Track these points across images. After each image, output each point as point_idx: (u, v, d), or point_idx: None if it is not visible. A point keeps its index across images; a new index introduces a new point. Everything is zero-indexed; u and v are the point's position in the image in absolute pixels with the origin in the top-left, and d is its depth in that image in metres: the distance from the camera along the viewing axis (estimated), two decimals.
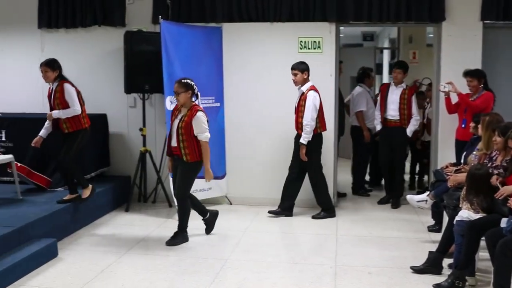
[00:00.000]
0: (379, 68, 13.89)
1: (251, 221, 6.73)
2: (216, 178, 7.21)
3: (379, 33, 14.37)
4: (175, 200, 6.08)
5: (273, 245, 5.81)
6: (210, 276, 4.85)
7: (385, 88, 7.59)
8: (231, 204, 7.49)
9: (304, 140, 6.57)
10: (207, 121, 5.74)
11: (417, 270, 4.91)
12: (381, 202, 7.51)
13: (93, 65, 7.78)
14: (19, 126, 7.08)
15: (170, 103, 6.80)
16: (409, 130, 7.36)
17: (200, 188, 7.06)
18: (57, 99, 6.02)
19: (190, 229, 5.94)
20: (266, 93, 7.40)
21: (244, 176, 7.48)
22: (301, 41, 7.28)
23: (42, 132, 6.18)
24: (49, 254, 5.24)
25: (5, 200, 6.14)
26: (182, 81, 5.70)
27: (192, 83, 5.71)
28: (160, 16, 6.90)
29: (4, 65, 8.03)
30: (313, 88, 6.63)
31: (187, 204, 5.85)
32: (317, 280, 4.80)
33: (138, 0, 7.65)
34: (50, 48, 7.88)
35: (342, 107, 8.22)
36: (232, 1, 7.34)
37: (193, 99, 5.76)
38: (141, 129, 7.39)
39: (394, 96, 7.38)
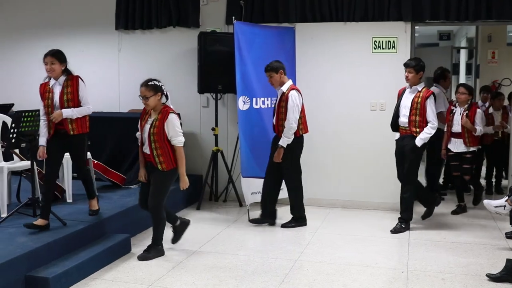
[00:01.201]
0: (455, 68, 13.48)
1: (322, 222, 6.67)
2: None
3: (456, 32, 13.96)
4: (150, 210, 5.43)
5: (343, 247, 5.73)
6: (280, 276, 4.84)
7: (401, 92, 6.49)
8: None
9: (284, 142, 6.11)
10: (180, 124, 5.29)
11: (493, 278, 4.71)
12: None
13: (167, 66, 7.93)
14: (96, 124, 7.25)
15: (242, 103, 6.83)
16: (418, 139, 6.02)
17: None
18: (69, 95, 5.35)
19: (258, 230, 5.93)
20: (339, 94, 7.33)
21: (314, 176, 7.42)
22: (375, 41, 7.16)
23: (42, 141, 5.30)
24: (123, 249, 5.37)
25: (83, 196, 6.33)
26: (149, 83, 5.09)
27: (160, 83, 5.15)
28: (233, 17, 6.96)
29: (84, 65, 8.26)
30: (294, 87, 6.21)
31: (162, 215, 5.27)
32: (388, 285, 4.70)
33: (212, 1, 7.74)
34: (127, 49, 8.13)
35: None
36: (305, 1, 7.31)
37: (163, 100, 5.18)
38: (213, 129, 7.47)
39: (406, 100, 6.19)
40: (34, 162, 5.39)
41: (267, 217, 6.54)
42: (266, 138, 6.95)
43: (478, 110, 6.88)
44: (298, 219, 6.47)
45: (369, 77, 7.22)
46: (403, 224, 6.25)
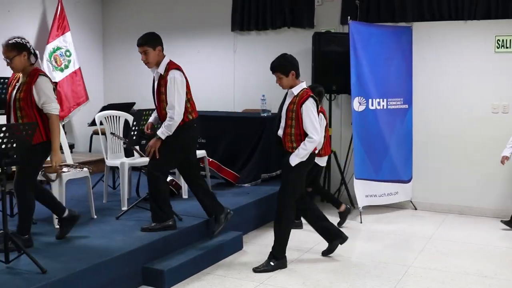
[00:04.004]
0: None
1: (437, 228, 6.44)
2: (402, 182, 7.07)
3: None
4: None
5: (459, 255, 5.50)
6: (392, 282, 4.71)
7: None
8: (415, 209, 7.24)
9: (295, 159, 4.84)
10: (54, 88, 4.49)
11: None
12: None
13: None
14: (212, 123, 7.46)
15: (358, 104, 6.75)
16: None
17: (388, 193, 6.95)
18: (163, 87, 4.95)
19: (370, 234, 5.81)
20: (457, 95, 7.05)
21: (430, 181, 7.19)
22: (498, 40, 6.80)
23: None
24: (235, 246, 5.47)
25: None
26: (10, 42, 4.37)
27: (24, 41, 4.42)
28: (348, 17, 6.88)
29: (200, 66, 8.54)
30: (309, 92, 5.01)
31: (29, 199, 4.47)
32: None
33: (327, 1, 7.70)
34: (242, 50, 8.29)
35: None
36: None
37: (32, 60, 4.42)
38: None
39: None
40: None
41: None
42: (381, 140, 6.86)
43: None
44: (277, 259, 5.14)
45: (491, 78, 6.88)
46: None
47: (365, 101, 6.80)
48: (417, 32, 7.17)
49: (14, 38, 4.38)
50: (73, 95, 8.35)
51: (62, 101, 8.19)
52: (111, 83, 9.41)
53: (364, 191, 6.82)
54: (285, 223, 5.00)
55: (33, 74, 4.35)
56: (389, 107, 7.00)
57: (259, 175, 7.20)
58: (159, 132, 4.94)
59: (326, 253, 5.39)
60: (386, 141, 6.96)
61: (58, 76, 8.18)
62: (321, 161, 6.20)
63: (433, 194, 7.20)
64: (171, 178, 6.29)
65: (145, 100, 7.89)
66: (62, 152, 5.66)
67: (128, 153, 6.41)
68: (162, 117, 5.04)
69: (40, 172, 5.08)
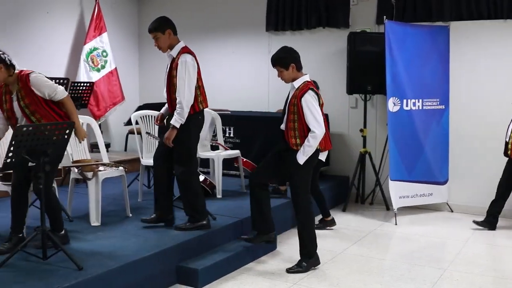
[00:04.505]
0: None
1: (474, 231, 6.32)
2: (437, 183, 6.99)
3: None
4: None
5: (498, 259, 5.40)
6: (427, 285, 4.65)
7: None
8: (452, 211, 7.14)
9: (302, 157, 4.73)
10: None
11: None
12: None
13: (316, 66, 7.94)
14: (246, 123, 7.48)
15: (393, 104, 6.68)
16: None
17: (421, 194, 6.86)
18: (174, 70, 4.87)
19: (405, 235, 5.73)
20: (495, 97, 6.91)
21: (466, 183, 7.07)
22: None
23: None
24: (269, 246, 5.45)
25: (231, 193, 6.56)
26: None
27: (0, 52, 4.24)
28: (384, 16, 6.83)
29: (235, 66, 8.57)
30: (310, 84, 4.84)
31: (53, 195, 4.49)
32: None
33: (362, 1, 7.65)
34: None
35: None
36: None
37: (11, 72, 4.27)
38: (361, 130, 7.38)
39: None
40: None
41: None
42: (416, 140, 6.79)
43: None
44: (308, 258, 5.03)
45: None
46: None
47: (399, 102, 6.73)
48: (454, 32, 7.06)
49: None
50: (109, 95, 8.47)
51: (98, 101, 8.32)
52: (146, 83, 9.51)
53: (398, 192, 6.76)
54: (308, 223, 4.94)
55: (22, 77, 4.26)
56: (424, 107, 6.91)
57: None
58: (172, 121, 4.81)
59: (246, 239, 5.12)
60: (421, 142, 6.87)
61: (95, 76, 8.31)
62: (322, 156, 6.16)
63: (471, 196, 7.07)
64: (205, 177, 6.33)
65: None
66: (98, 151, 5.75)
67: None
68: (172, 103, 4.92)
69: (77, 171, 5.18)
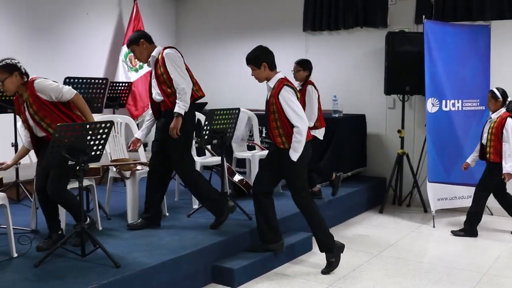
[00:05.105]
0: None
1: None
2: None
3: None
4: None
5: None
6: None
7: None
8: (491, 214, 6.99)
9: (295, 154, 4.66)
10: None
11: None
12: None
13: (353, 66, 7.92)
14: None
15: (431, 105, 6.59)
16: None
17: (460, 196, 6.75)
18: (161, 67, 4.91)
19: (443, 238, 5.65)
20: None
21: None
22: None
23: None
24: (304, 247, 5.44)
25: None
26: (0, 65, 4.23)
27: (15, 61, 4.26)
28: (423, 16, 6.74)
29: None
30: (284, 80, 4.84)
31: (70, 193, 4.40)
32: None
33: (401, 0, 7.56)
34: (313, 50, 8.25)
35: None
36: None
37: (23, 80, 4.29)
38: (399, 131, 7.29)
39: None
40: (224, 158, 5.63)
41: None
42: (455, 141, 6.68)
43: None
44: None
45: None
46: None
47: (438, 102, 6.63)
48: (495, 31, 6.91)
49: (3, 60, 4.25)
50: (147, 94, 8.50)
51: (136, 101, 8.42)
52: None
53: (436, 194, 6.66)
54: (315, 216, 4.87)
55: (28, 84, 4.26)
56: (464, 108, 6.80)
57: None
58: (176, 110, 4.79)
59: (250, 249, 5.00)
60: (460, 143, 6.75)
61: (132, 76, 8.42)
62: (319, 134, 6.16)
63: None
64: (242, 177, 6.34)
65: (217, 100, 8.00)
66: (136, 151, 5.80)
67: (200, 152, 6.51)
68: (167, 101, 4.88)
69: (115, 170, 5.24)
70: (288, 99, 4.63)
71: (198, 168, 5.82)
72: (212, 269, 4.61)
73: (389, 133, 7.74)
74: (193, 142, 5.49)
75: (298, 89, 5.89)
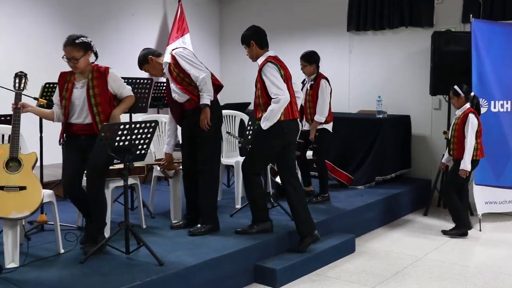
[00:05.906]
0: None
1: None
2: None
3: None
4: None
5: None
6: None
7: None
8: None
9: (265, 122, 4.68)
10: None
11: None
12: None
13: (398, 66, 7.83)
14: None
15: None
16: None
17: (509, 200, 6.58)
18: (175, 67, 4.87)
19: (490, 242, 5.52)
20: None
21: None
22: None
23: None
24: (347, 249, 5.40)
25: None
26: (77, 41, 4.17)
27: (89, 39, 4.26)
28: (471, 15, 6.60)
29: None
30: (271, 58, 4.83)
31: (104, 199, 4.42)
32: None
33: None
34: (357, 50, 8.20)
35: None
36: None
37: (92, 59, 4.34)
38: (445, 132, 7.15)
39: None
40: None
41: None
42: (504, 144, 6.52)
43: None
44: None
45: None
46: None
47: (486, 103, 6.49)
48: None
49: (80, 37, 4.20)
50: None
51: None
52: (227, 83, 9.51)
53: (484, 197, 6.51)
54: (253, 188, 4.89)
55: (101, 69, 4.28)
56: (509, 110, 6.64)
57: (373, 178, 7.10)
58: (202, 101, 4.75)
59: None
60: (510, 146, 6.59)
61: None
62: (329, 127, 6.18)
63: None
64: None
65: None
66: (179, 150, 5.85)
67: (243, 152, 6.51)
68: (193, 97, 4.83)
69: (159, 169, 5.29)
70: (268, 73, 4.65)
71: (240, 168, 5.82)
72: (254, 269, 4.61)
73: (434, 134, 7.62)
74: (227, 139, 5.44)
75: (310, 83, 5.91)
